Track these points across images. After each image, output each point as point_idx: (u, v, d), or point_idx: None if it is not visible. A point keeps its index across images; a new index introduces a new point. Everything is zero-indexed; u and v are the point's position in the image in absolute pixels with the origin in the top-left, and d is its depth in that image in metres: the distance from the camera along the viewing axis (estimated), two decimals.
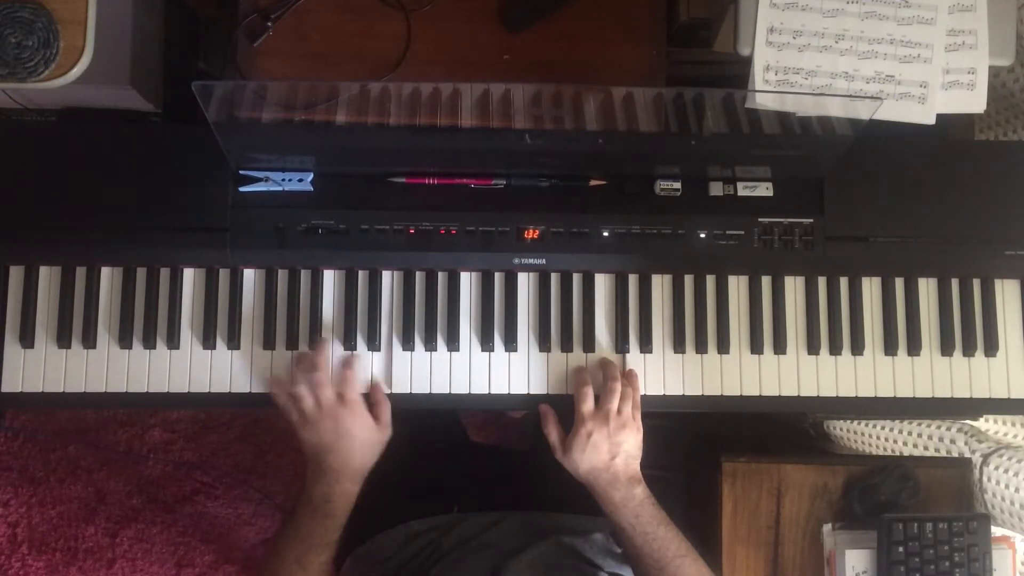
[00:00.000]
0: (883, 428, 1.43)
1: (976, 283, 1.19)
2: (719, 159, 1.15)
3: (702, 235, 1.13)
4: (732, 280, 1.17)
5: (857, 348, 1.17)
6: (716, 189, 1.15)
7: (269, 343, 1.13)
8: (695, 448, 1.43)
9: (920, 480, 1.24)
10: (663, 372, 1.16)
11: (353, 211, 1.11)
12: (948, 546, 1.16)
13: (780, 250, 1.13)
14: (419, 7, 1.21)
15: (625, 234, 1.13)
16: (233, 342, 1.13)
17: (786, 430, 1.61)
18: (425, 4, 1.21)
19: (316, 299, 1.14)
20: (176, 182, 1.10)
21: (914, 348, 1.17)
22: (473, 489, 1.27)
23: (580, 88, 1.10)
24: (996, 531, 1.20)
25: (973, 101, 1.11)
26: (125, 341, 1.12)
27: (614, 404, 1.08)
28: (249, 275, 1.15)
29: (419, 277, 1.15)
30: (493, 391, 1.15)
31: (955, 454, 1.30)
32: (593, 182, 1.14)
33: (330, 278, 1.15)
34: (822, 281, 1.18)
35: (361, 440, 1.05)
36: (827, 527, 1.23)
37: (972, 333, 1.18)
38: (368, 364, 1.14)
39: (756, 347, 1.16)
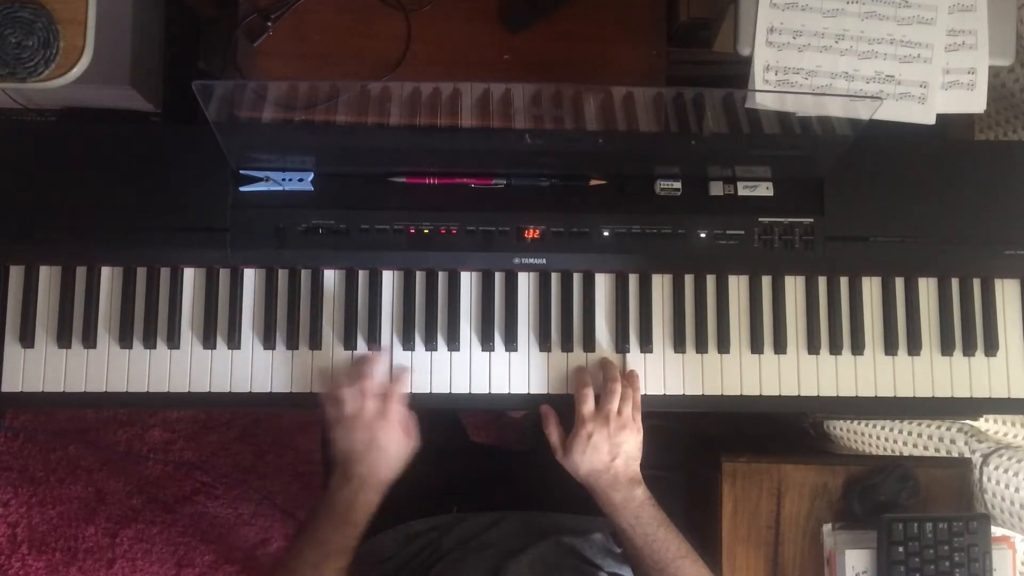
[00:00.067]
0: (883, 428, 1.43)
1: (976, 283, 1.19)
2: (719, 159, 1.15)
3: (702, 235, 1.13)
4: (732, 280, 1.17)
5: (857, 348, 1.17)
6: (716, 189, 1.15)
7: (269, 343, 1.13)
8: (695, 448, 1.43)
9: (920, 480, 1.24)
10: (663, 372, 1.16)
11: (353, 211, 1.11)
12: (948, 546, 1.16)
13: (780, 250, 1.14)
14: (419, 7, 1.21)
15: (625, 234, 1.13)
16: (233, 342, 1.13)
17: (786, 430, 1.61)
18: (425, 4, 1.21)
19: (316, 299, 1.14)
20: (176, 182, 1.10)
21: (914, 348, 1.17)
22: (473, 489, 1.27)
23: (580, 88, 1.10)
24: (996, 531, 1.20)
25: (973, 101, 1.11)
26: (125, 341, 1.12)
27: (614, 405, 1.08)
28: (249, 275, 1.15)
29: (419, 277, 1.15)
30: (493, 391, 1.15)
31: (955, 454, 1.30)
32: (593, 182, 1.14)
33: (330, 278, 1.15)
34: (822, 281, 1.18)
35: (389, 453, 1.05)
36: (827, 527, 1.23)
37: (972, 333, 1.18)
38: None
39: (756, 347, 1.16)
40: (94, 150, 1.12)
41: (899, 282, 1.18)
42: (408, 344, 1.14)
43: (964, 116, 1.24)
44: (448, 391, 1.14)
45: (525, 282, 1.16)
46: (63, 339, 1.12)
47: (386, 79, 1.19)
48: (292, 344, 1.13)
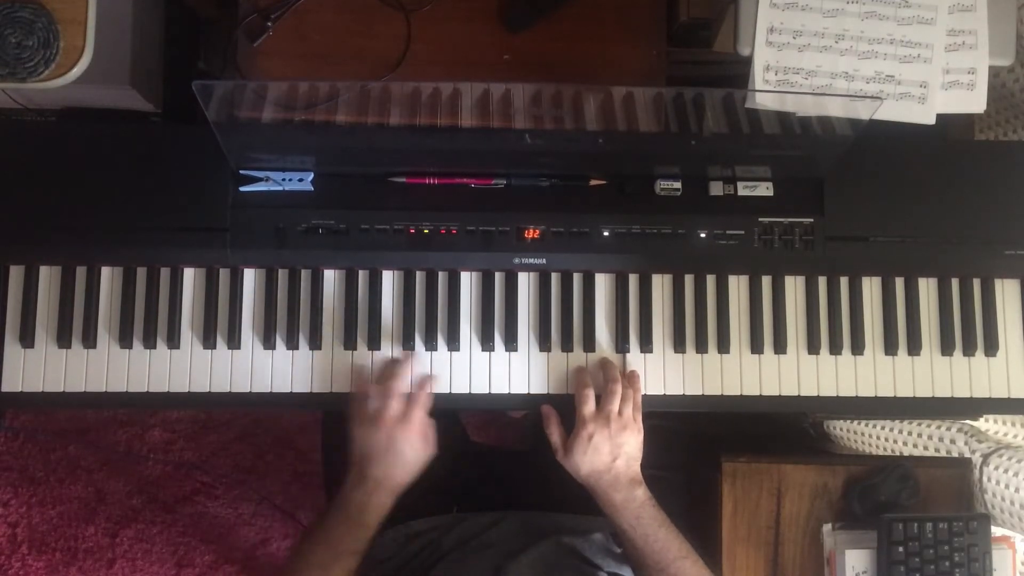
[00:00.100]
0: (883, 428, 1.43)
1: (976, 283, 1.19)
2: (719, 159, 1.15)
3: (702, 235, 1.13)
4: (732, 280, 1.17)
5: (857, 348, 1.17)
6: (716, 189, 1.15)
7: (269, 343, 1.13)
8: (695, 448, 1.43)
9: (920, 480, 1.24)
10: (663, 372, 1.16)
11: (353, 211, 1.11)
12: (948, 546, 1.16)
13: (780, 250, 1.14)
14: (419, 7, 1.21)
15: (625, 234, 1.13)
16: (233, 342, 1.13)
17: (786, 430, 1.61)
18: (425, 4, 1.21)
19: (316, 299, 1.14)
20: (176, 182, 1.10)
21: (914, 348, 1.17)
22: (473, 489, 1.27)
23: (580, 88, 1.10)
24: (996, 531, 1.20)
25: (973, 101, 1.11)
26: (125, 341, 1.12)
27: (615, 406, 1.08)
28: (249, 275, 1.15)
29: (419, 277, 1.15)
30: (493, 391, 1.15)
31: (955, 454, 1.30)
32: (593, 182, 1.14)
33: (330, 278, 1.15)
34: (822, 281, 1.18)
35: (406, 458, 1.05)
36: (827, 527, 1.23)
37: (972, 333, 1.18)
38: (370, 364, 1.14)
39: (756, 347, 1.16)
40: (94, 150, 1.12)
41: (899, 282, 1.18)
42: (408, 344, 1.14)
43: (964, 116, 1.24)
44: (448, 391, 1.14)
45: (525, 282, 1.16)
46: (63, 339, 1.12)
47: (386, 79, 1.19)
48: (292, 344, 1.13)
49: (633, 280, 1.17)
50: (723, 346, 1.16)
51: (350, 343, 1.14)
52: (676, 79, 1.25)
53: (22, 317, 1.12)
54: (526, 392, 1.15)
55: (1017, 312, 1.19)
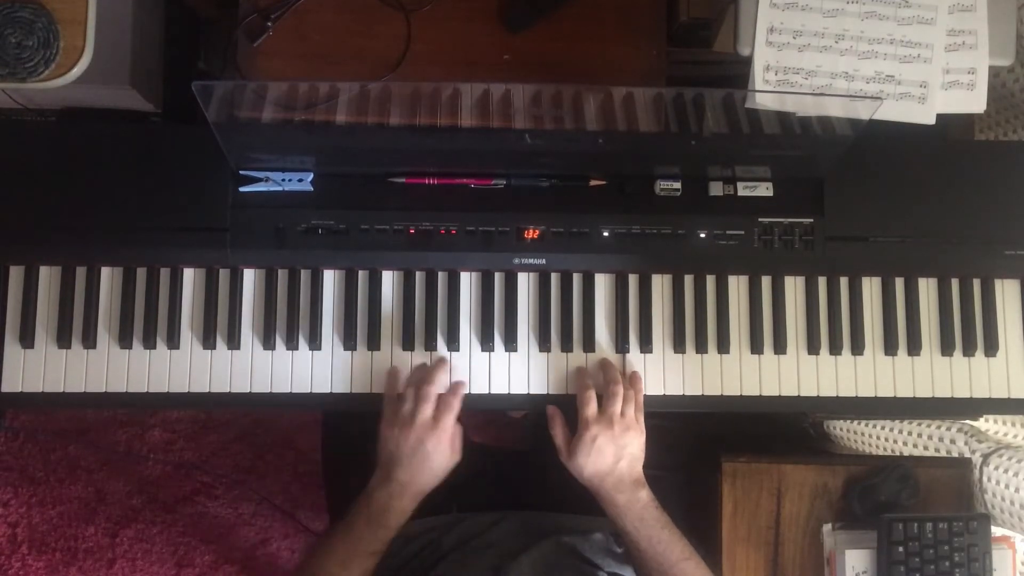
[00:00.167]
0: (883, 428, 1.43)
1: (976, 283, 1.19)
2: (719, 159, 1.15)
3: (702, 235, 1.13)
4: (732, 280, 1.17)
5: (857, 348, 1.16)
6: (716, 189, 1.15)
7: (269, 343, 1.13)
8: (695, 448, 1.43)
9: (920, 480, 1.24)
10: (663, 372, 1.16)
11: (353, 211, 1.11)
12: (948, 546, 1.16)
13: (780, 250, 1.14)
14: (419, 7, 1.21)
15: (625, 234, 1.13)
16: (233, 342, 1.13)
17: (786, 430, 1.61)
18: (425, 4, 1.21)
19: (316, 299, 1.14)
20: (176, 182, 1.10)
21: (914, 348, 1.17)
22: (473, 489, 1.26)
23: (580, 88, 1.10)
24: (996, 531, 1.20)
25: (973, 101, 1.11)
26: (125, 341, 1.12)
27: (617, 407, 1.08)
28: (249, 275, 1.15)
29: (419, 277, 1.15)
30: (493, 391, 1.15)
31: (955, 454, 1.30)
32: (593, 182, 1.14)
33: (330, 278, 1.15)
34: (822, 281, 1.18)
35: (432, 463, 1.06)
36: (827, 527, 1.23)
37: (972, 333, 1.18)
38: (369, 364, 1.14)
39: (756, 347, 1.16)
40: (94, 150, 1.12)
41: (899, 282, 1.18)
42: (408, 344, 1.14)
43: (964, 116, 1.24)
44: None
45: (525, 282, 1.16)
46: (63, 339, 1.12)
47: (386, 79, 1.19)
48: (292, 344, 1.13)
49: (633, 280, 1.17)
50: (723, 346, 1.16)
51: (350, 343, 1.14)
52: (676, 79, 1.25)
53: (22, 317, 1.12)
54: (526, 392, 1.15)
55: (1017, 312, 1.19)
